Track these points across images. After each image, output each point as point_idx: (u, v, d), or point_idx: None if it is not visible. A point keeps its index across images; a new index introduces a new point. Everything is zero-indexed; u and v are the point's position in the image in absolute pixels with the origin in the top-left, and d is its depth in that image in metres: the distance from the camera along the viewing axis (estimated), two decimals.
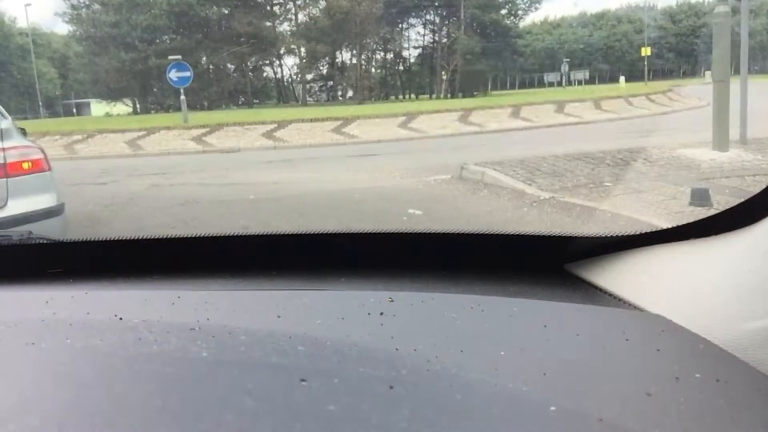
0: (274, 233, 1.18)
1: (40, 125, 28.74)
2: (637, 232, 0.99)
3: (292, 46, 55.71)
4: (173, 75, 25.09)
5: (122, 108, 54.56)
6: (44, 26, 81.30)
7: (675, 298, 0.85)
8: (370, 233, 1.19)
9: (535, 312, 0.89)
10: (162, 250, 1.24)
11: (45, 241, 1.22)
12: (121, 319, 0.83)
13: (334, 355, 0.72)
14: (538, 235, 1.11)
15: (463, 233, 1.16)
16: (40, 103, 58.39)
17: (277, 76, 60.94)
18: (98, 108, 58.32)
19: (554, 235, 1.11)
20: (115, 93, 53.23)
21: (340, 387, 0.63)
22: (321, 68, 57.65)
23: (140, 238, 1.21)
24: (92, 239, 1.22)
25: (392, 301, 0.91)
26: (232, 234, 1.19)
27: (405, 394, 0.63)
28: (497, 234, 1.12)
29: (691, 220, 0.92)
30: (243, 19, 49.75)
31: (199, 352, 0.72)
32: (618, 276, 0.99)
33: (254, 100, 55.58)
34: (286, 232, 1.19)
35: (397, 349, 0.73)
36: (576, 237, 1.09)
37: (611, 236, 1.02)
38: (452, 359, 0.71)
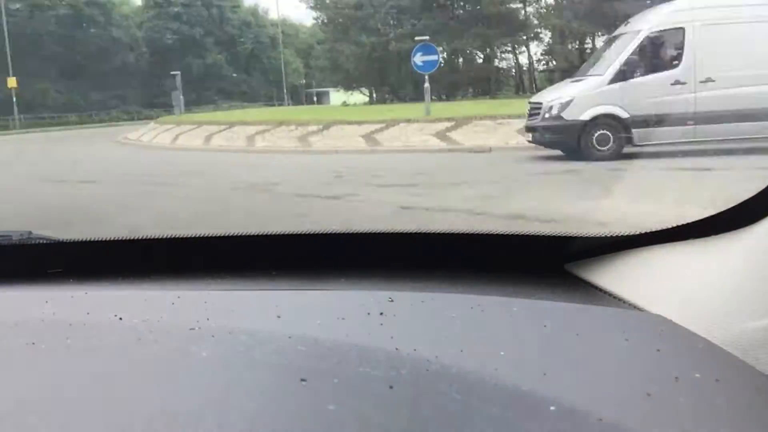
0: (273, 233, 1.18)
1: (280, 114, 27.11)
2: (637, 232, 0.99)
3: (541, 30, 47.43)
4: (418, 59, 20.27)
5: (359, 97, 51.45)
6: (293, 17, 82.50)
7: (675, 298, 0.85)
8: (370, 233, 1.19)
9: (535, 312, 0.89)
10: (162, 250, 1.23)
11: (45, 241, 1.22)
12: (121, 319, 0.84)
13: (334, 355, 0.72)
14: (538, 235, 1.11)
15: (463, 233, 1.16)
16: (286, 91, 59.38)
17: (520, 63, 51.40)
18: (336, 97, 56.74)
19: (554, 235, 1.10)
20: (354, 81, 50.20)
21: (340, 387, 0.63)
22: (570, 55, 46.36)
23: (140, 238, 1.21)
24: (92, 239, 1.22)
25: (392, 301, 0.91)
26: (231, 234, 1.19)
27: (405, 394, 0.63)
28: (497, 234, 1.12)
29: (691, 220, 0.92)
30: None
31: (199, 352, 0.72)
32: (618, 276, 0.99)
33: (495, 90, 47.68)
34: (286, 232, 1.19)
35: (397, 349, 0.73)
36: (576, 237, 1.09)
37: (611, 236, 1.02)
38: (452, 359, 0.71)
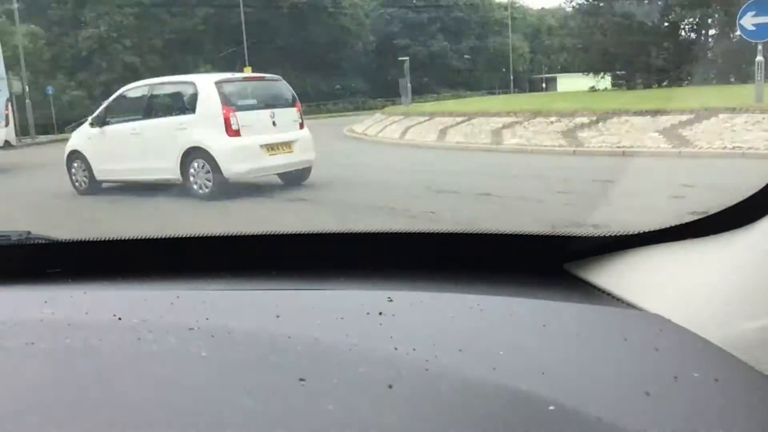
0: (273, 233, 1.18)
1: (532, 102, 21.61)
2: (637, 232, 0.99)
3: None
4: (748, 21, 13.39)
5: (605, 83, 40.29)
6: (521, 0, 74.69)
7: (674, 297, 0.85)
8: (369, 233, 1.19)
9: (535, 312, 0.89)
10: (161, 250, 1.23)
11: (44, 241, 1.22)
12: (120, 319, 0.84)
13: (333, 355, 0.72)
14: (538, 235, 1.11)
15: (462, 233, 1.16)
16: (512, 78, 56.91)
17: None
18: (565, 83, 50.83)
19: (554, 235, 1.10)
20: (609, 62, 37.69)
21: (339, 387, 0.64)
22: None
23: (140, 238, 1.21)
24: (92, 239, 1.22)
25: (391, 301, 0.91)
26: (231, 234, 1.19)
27: (404, 394, 0.63)
28: (497, 234, 1.12)
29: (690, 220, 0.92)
30: None
31: (199, 352, 0.72)
32: (617, 276, 0.98)
33: None
34: (285, 232, 1.19)
35: (396, 349, 0.73)
36: (575, 237, 1.08)
37: (611, 236, 1.02)
38: (451, 359, 0.71)
